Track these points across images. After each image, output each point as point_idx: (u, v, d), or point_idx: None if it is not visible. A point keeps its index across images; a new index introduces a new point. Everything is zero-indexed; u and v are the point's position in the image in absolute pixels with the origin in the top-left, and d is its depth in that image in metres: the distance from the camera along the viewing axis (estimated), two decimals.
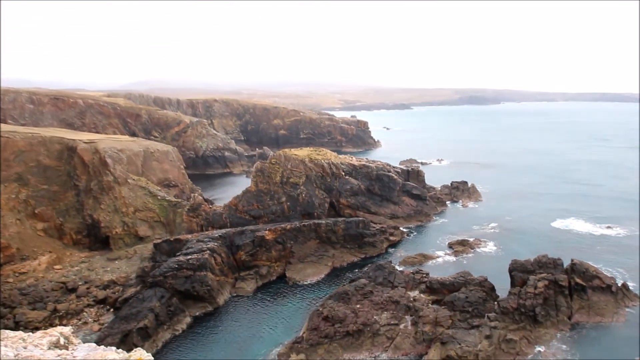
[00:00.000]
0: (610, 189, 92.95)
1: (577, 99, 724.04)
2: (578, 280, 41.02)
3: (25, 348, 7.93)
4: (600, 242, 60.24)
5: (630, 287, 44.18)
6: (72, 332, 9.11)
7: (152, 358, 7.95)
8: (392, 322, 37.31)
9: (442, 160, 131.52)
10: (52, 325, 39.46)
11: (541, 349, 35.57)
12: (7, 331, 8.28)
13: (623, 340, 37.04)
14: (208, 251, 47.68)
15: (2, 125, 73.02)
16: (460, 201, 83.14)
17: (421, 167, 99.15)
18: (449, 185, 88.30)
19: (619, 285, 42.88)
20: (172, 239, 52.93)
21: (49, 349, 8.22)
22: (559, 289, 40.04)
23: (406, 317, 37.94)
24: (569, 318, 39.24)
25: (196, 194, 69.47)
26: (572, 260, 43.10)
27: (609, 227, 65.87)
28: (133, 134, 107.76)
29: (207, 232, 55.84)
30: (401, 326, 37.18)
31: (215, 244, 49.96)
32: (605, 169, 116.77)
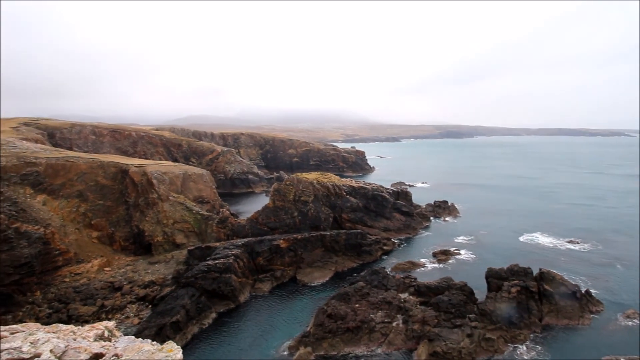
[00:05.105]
0: (580, 208, 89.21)
1: (538, 134, 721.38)
2: (546, 287, 39.37)
3: (74, 340, 7.63)
4: (565, 255, 58.11)
5: (593, 294, 42.23)
6: (115, 326, 8.79)
7: (181, 350, 7.63)
8: (385, 320, 35.92)
9: (426, 182, 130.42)
10: (99, 319, 38.75)
11: (516, 347, 33.82)
12: (61, 325, 8.03)
13: (589, 341, 35.07)
14: (232, 257, 47.03)
15: (69, 152, 74.60)
16: (442, 217, 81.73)
17: (408, 189, 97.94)
18: (432, 203, 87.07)
19: (583, 292, 41.06)
20: (203, 246, 52.44)
21: (95, 340, 7.89)
22: (530, 294, 38.45)
23: (398, 316, 36.53)
24: (540, 320, 37.46)
25: (224, 209, 69.34)
26: (540, 269, 41.54)
27: (571, 242, 63.71)
28: (175, 160, 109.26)
29: (232, 241, 55.29)
30: (394, 324, 35.76)
31: (239, 250, 49.32)
32: (574, 191, 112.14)
